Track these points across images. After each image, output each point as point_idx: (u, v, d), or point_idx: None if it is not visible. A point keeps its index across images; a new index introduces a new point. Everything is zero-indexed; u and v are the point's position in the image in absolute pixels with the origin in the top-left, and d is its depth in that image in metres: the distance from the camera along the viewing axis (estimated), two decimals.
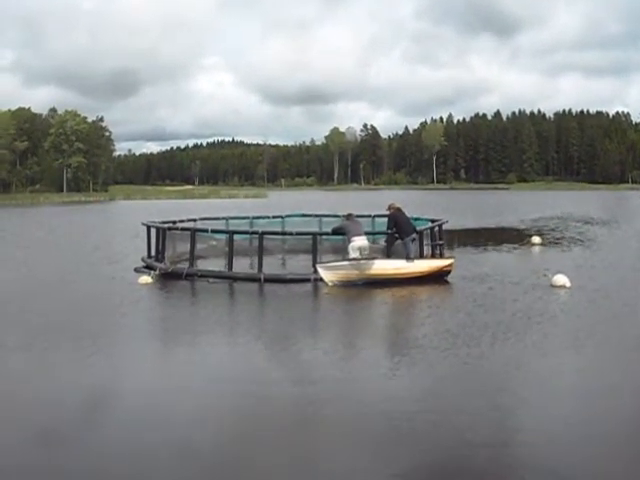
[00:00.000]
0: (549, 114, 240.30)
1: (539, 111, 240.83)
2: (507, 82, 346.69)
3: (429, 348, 12.90)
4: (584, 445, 8.26)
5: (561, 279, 19.37)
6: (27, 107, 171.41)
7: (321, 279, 20.45)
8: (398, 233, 21.78)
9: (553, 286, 19.17)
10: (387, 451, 8.07)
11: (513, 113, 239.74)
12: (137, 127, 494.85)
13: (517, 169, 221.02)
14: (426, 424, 8.97)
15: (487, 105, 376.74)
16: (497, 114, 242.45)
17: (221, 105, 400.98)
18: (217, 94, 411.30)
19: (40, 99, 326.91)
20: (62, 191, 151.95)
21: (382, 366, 11.91)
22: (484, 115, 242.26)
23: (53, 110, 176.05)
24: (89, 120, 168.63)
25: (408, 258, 21.07)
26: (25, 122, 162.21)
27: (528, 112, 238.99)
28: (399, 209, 22.38)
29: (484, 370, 11.59)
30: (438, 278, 20.85)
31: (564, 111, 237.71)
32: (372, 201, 74.75)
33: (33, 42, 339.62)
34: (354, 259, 20.82)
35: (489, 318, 15.59)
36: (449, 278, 21.01)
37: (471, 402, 9.84)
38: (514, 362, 11.96)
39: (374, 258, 21.22)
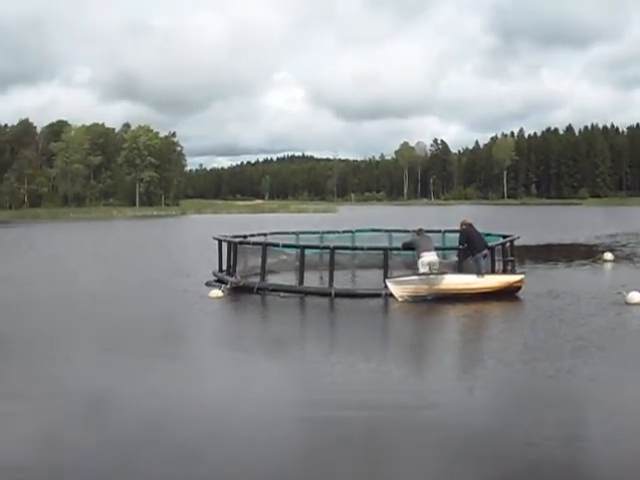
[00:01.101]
0: (622, 128, 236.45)
1: (612, 125, 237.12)
2: (579, 96, 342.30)
3: (509, 362, 12.91)
4: None
5: (636, 296, 19.01)
6: (101, 122, 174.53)
7: (392, 294, 20.44)
8: (470, 249, 21.68)
9: (628, 303, 18.82)
10: (467, 466, 8.09)
11: (585, 127, 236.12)
12: (208, 142, 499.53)
13: (590, 184, 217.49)
14: (510, 440, 8.98)
15: (559, 119, 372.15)
16: (569, 128, 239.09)
17: (292, 120, 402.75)
18: (288, 109, 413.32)
19: (114, 114, 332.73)
20: (135, 205, 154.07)
21: (463, 379, 12.05)
22: (556, 129, 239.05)
23: (126, 125, 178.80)
24: (161, 135, 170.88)
25: (479, 274, 20.96)
26: (99, 137, 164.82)
27: (601, 126, 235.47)
28: (471, 225, 22.31)
29: (571, 384, 11.52)
30: (509, 294, 20.68)
31: (638, 125, 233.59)
32: (442, 216, 74.55)
33: (108, 58, 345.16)
34: (424, 274, 20.78)
35: (568, 333, 15.48)
36: (520, 294, 20.82)
37: (560, 416, 9.83)
38: (601, 377, 11.84)
39: (444, 273, 21.16)
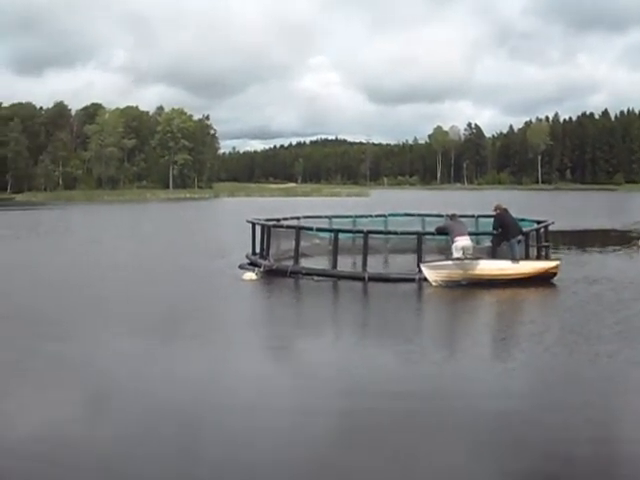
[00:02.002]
0: None
1: None
2: (616, 80, 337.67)
3: (548, 345, 12.94)
4: None
5: None
6: (135, 105, 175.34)
7: (425, 279, 20.39)
8: (504, 234, 21.55)
9: None
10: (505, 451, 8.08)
11: (621, 112, 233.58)
12: (242, 125, 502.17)
13: (625, 170, 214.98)
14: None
15: (595, 104, 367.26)
16: (605, 113, 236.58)
17: (326, 104, 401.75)
18: (322, 92, 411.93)
19: (150, 98, 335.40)
20: (168, 187, 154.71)
21: (501, 362, 12.15)
22: (591, 114, 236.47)
23: (160, 108, 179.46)
24: (195, 118, 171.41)
25: (514, 259, 20.84)
26: (133, 120, 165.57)
27: (637, 111, 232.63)
28: (505, 210, 22.14)
29: (611, 368, 11.49)
30: (544, 280, 20.52)
31: None
32: (475, 201, 74.06)
33: (144, 42, 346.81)
34: (458, 259, 20.70)
35: (606, 317, 15.41)
36: (555, 280, 20.67)
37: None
38: None
39: (478, 258, 21.07)
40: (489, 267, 20.46)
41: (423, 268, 20.60)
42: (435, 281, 20.20)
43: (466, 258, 20.73)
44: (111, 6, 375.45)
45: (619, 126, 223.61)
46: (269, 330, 15.26)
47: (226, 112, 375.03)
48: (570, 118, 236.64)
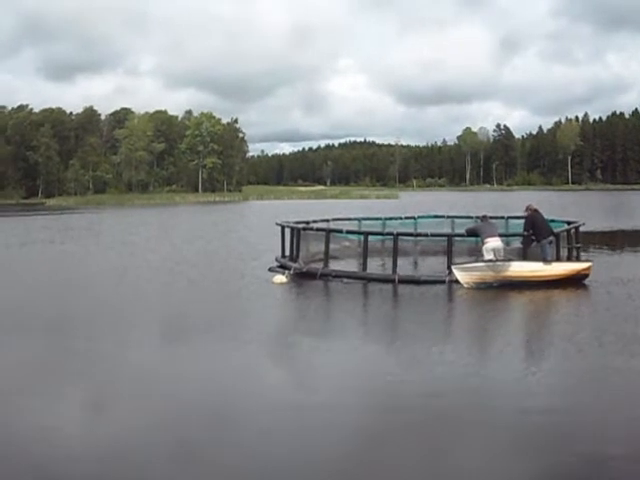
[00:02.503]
0: None
1: None
2: None
3: (583, 346, 12.96)
4: None
5: None
6: (164, 109, 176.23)
7: (456, 281, 20.30)
8: (535, 235, 21.43)
9: None
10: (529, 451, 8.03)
11: None
12: (271, 128, 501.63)
13: None
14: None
15: (625, 103, 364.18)
16: (635, 112, 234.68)
17: (354, 106, 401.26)
18: (350, 95, 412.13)
19: (179, 102, 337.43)
20: (197, 191, 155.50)
21: (536, 362, 12.19)
22: (621, 114, 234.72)
23: (189, 112, 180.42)
24: (224, 122, 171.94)
25: (545, 261, 20.71)
26: (162, 124, 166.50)
27: None
28: (536, 210, 22.01)
29: None
30: (576, 282, 20.38)
31: None
32: (505, 202, 73.83)
33: (173, 47, 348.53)
34: (489, 261, 20.60)
35: (630, 323, 15.13)
36: (587, 281, 20.51)
37: None
38: None
39: (510, 260, 20.96)
40: (520, 269, 20.34)
41: (455, 270, 20.53)
42: (467, 283, 20.12)
43: (497, 260, 20.64)
44: (140, 11, 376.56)
45: None
46: (296, 333, 15.21)
47: (255, 115, 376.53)
48: (600, 118, 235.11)
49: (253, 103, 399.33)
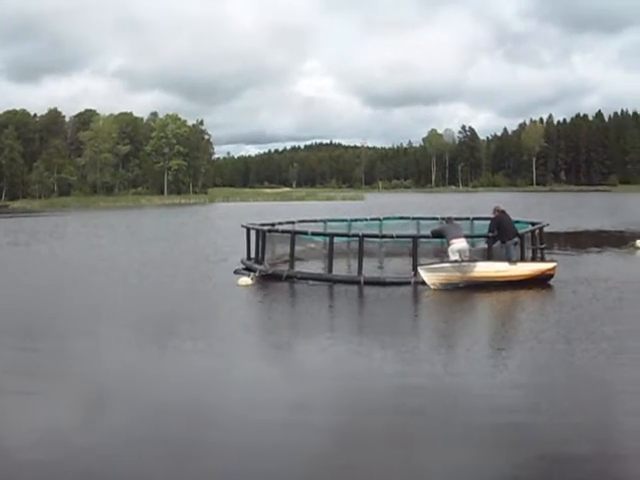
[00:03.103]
0: None
1: None
2: (610, 82, 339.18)
3: (549, 343, 13.20)
4: None
5: None
6: (129, 111, 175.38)
7: (422, 282, 20.31)
8: (500, 236, 21.52)
9: None
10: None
11: (615, 113, 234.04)
12: (237, 130, 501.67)
13: (619, 171, 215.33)
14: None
15: (589, 105, 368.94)
16: (599, 114, 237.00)
17: (320, 108, 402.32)
18: (317, 97, 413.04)
19: (146, 104, 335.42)
20: (163, 193, 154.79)
21: (503, 360, 12.18)
22: (585, 116, 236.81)
23: (154, 114, 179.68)
24: (189, 124, 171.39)
25: (510, 261, 20.80)
26: (127, 126, 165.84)
27: (631, 112, 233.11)
28: (504, 212, 22.14)
29: (609, 365, 11.66)
30: (541, 282, 20.49)
31: None
32: (470, 204, 74.11)
33: (140, 48, 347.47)
34: (455, 261, 20.65)
35: (607, 316, 15.64)
36: (552, 281, 20.62)
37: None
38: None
39: (475, 261, 21.03)
40: (486, 269, 20.43)
41: (421, 271, 20.53)
42: (433, 284, 20.14)
43: (463, 260, 20.69)
44: (107, 13, 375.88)
45: (613, 127, 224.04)
46: (264, 334, 15.15)
47: (221, 117, 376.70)
48: (564, 120, 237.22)
49: (220, 105, 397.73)
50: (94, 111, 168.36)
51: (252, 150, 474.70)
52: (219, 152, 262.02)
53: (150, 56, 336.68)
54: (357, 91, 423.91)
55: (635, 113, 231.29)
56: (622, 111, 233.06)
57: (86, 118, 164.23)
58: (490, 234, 21.93)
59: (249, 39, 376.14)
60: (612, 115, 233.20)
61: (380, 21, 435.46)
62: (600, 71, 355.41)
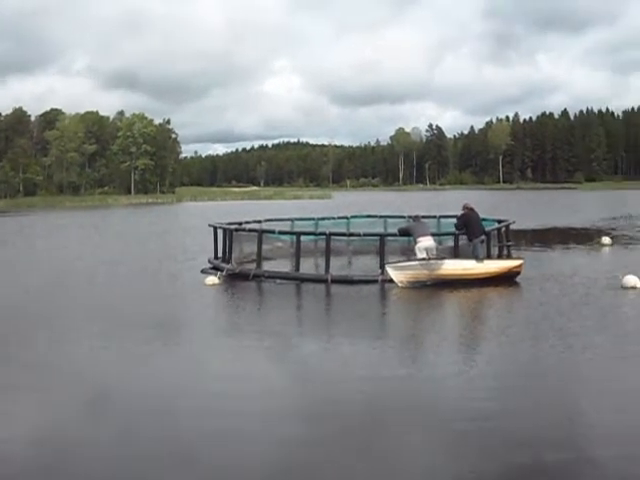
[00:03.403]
0: (618, 112, 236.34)
1: (607, 109, 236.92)
2: (576, 80, 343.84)
3: (515, 339, 13.33)
4: None
5: (632, 280, 18.92)
6: (95, 110, 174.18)
7: (389, 280, 20.29)
8: (467, 234, 21.57)
9: (624, 287, 18.74)
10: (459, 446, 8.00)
11: (581, 111, 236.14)
12: (205, 129, 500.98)
13: (585, 168, 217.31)
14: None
15: (555, 104, 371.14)
16: (564, 113, 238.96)
17: (289, 107, 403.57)
18: (285, 96, 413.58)
19: (112, 103, 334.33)
20: (130, 193, 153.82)
21: (472, 356, 12.19)
22: (551, 114, 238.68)
23: (121, 113, 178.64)
24: (156, 123, 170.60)
25: (477, 259, 20.86)
26: (93, 125, 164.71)
27: (596, 110, 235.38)
28: (472, 209, 22.18)
29: (575, 360, 11.79)
30: (508, 279, 20.56)
31: (633, 109, 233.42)
32: (438, 202, 74.37)
33: (107, 47, 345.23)
34: (423, 259, 20.66)
35: (572, 312, 15.81)
36: (518, 278, 20.73)
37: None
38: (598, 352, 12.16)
39: (443, 258, 21.06)
40: (454, 267, 20.45)
41: (389, 269, 20.52)
42: (401, 282, 20.13)
43: (430, 258, 20.70)
44: (73, 11, 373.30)
45: (578, 125, 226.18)
46: (227, 334, 15.02)
47: (189, 116, 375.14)
48: (530, 118, 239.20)
49: (187, 104, 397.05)
50: (60, 110, 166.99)
51: (220, 149, 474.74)
52: (186, 151, 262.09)
53: (117, 55, 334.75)
54: (325, 90, 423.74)
55: (600, 111, 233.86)
56: (587, 109, 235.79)
57: (52, 117, 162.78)
58: (456, 232, 21.96)
59: (217, 38, 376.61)
60: (577, 113, 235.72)
61: (348, 21, 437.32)
62: (565, 70, 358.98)
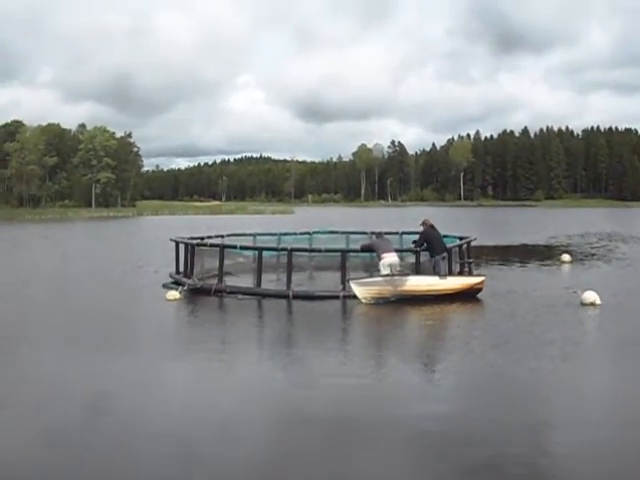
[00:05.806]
0: (577, 131, 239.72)
1: (567, 128, 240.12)
2: (537, 100, 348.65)
3: (478, 355, 13.44)
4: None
5: (591, 296, 19.07)
6: (56, 123, 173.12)
7: (353, 296, 20.19)
8: (429, 250, 21.62)
9: (583, 304, 18.89)
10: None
11: (541, 130, 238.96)
12: (168, 143, 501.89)
13: (545, 186, 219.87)
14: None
15: (516, 122, 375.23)
16: (525, 131, 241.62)
17: (252, 122, 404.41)
18: (249, 111, 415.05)
19: (77, 115, 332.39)
20: (90, 206, 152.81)
21: (433, 372, 12.19)
22: (512, 132, 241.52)
23: (82, 126, 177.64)
24: (118, 136, 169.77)
25: (440, 275, 20.89)
26: (54, 137, 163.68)
27: (556, 129, 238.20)
28: (432, 226, 22.22)
29: (535, 377, 11.85)
30: (470, 295, 20.62)
31: (592, 128, 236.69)
32: (399, 218, 74.62)
33: (73, 59, 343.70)
34: (386, 275, 20.65)
35: (535, 328, 15.95)
36: (480, 295, 20.81)
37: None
38: (560, 370, 12.22)
39: (407, 274, 21.07)
40: (418, 283, 20.43)
41: (352, 285, 20.45)
42: (365, 298, 20.05)
43: (394, 274, 20.71)
44: (38, 23, 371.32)
45: (539, 144, 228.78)
46: (190, 348, 14.89)
47: (153, 130, 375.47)
48: (492, 136, 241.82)
49: (152, 117, 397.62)
50: (21, 122, 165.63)
51: (182, 163, 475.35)
52: (148, 165, 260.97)
53: (82, 67, 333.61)
54: (288, 105, 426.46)
55: (560, 130, 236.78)
56: (547, 128, 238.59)
57: (12, 129, 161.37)
58: (417, 248, 21.98)
59: (182, 52, 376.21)
60: (538, 132, 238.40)
61: (313, 37, 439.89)
62: (526, 89, 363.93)
